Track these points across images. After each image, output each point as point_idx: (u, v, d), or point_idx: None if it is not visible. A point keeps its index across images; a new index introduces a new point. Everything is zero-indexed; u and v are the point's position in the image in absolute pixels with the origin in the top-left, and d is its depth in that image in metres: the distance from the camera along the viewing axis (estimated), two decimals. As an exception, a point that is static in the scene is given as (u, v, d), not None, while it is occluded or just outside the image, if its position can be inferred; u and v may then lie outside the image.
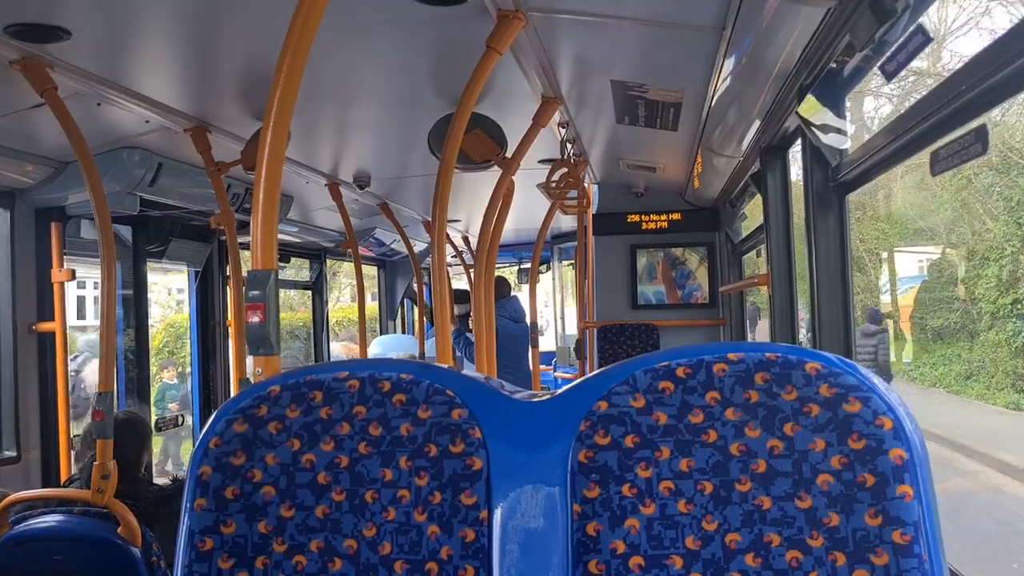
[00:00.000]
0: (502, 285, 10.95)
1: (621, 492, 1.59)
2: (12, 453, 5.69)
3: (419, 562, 1.63)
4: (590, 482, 1.60)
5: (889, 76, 2.98)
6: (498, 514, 1.64)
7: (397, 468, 1.68)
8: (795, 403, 1.55)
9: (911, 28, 2.80)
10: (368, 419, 1.71)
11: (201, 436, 1.77)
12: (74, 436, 5.66)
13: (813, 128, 3.95)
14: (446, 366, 1.88)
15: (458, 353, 10.80)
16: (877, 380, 1.55)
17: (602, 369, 1.71)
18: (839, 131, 3.87)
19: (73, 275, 5.86)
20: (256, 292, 2.70)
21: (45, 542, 3.81)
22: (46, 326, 5.81)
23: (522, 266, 15.20)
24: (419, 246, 10.75)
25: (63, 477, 5.66)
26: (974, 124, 2.49)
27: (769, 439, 1.55)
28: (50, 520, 3.87)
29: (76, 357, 12.26)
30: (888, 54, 2.97)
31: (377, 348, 12.23)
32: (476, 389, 1.74)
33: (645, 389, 1.62)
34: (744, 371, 1.59)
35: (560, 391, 1.73)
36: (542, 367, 11.34)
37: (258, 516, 1.70)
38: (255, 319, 2.70)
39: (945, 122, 2.67)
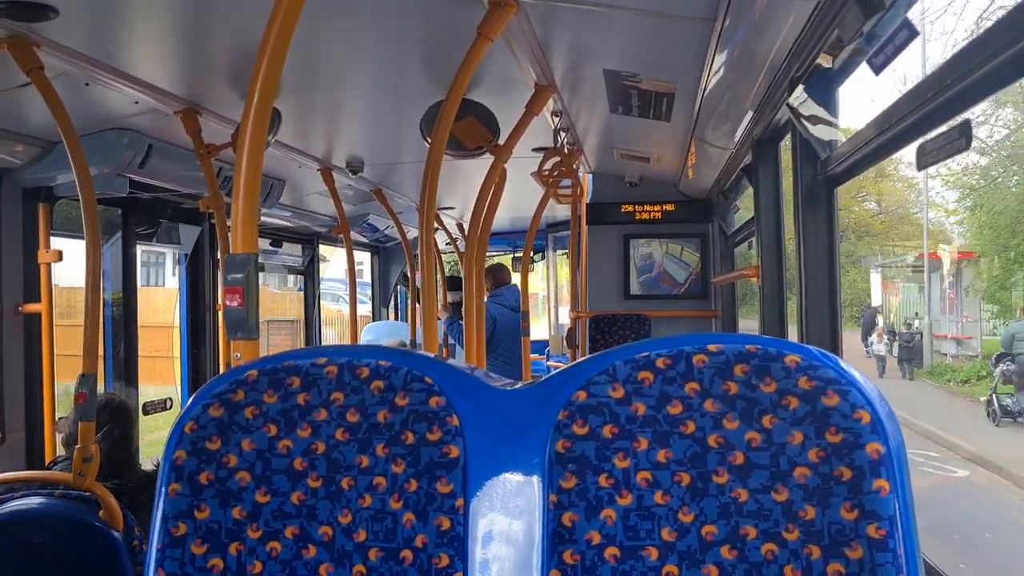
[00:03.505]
0: (502, 272, 10.91)
1: (598, 482, 1.58)
2: None
3: (394, 550, 1.63)
4: (567, 472, 1.60)
5: (877, 70, 2.99)
6: (474, 503, 1.64)
7: (374, 455, 1.67)
8: (774, 395, 1.54)
9: (898, 22, 2.80)
10: (346, 405, 1.70)
11: (177, 420, 1.76)
12: (59, 418, 5.64)
13: (803, 121, 3.95)
14: (431, 354, 1.86)
15: (451, 340, 10.80)
16: (857, 374, 1.55)
17: (582, 359, 1.70)
18: (829, 124, 3.87)
19: (60, 256, 5.84)
20: (235, 276, 2.69)
21: (24, 524, 3.79)
22: (32, 307, 5.80)
23: (516, 254, 15.20)
24: (413, 232, 10.74)
25: (47, 459, 5.65)
26: (959, 119, 2.50)
27: (747, 431, 1.54)
28: (30, 502, 3.86)
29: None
30: (876, 47, 2.98)
31: (369, 335, 12.23)
32: (455, 377, 1.73)
33: (624, 379, 1.61)
34: (724, 362, 1.58)
35: (539, 380, 1.72)
36: (535, 356, 11.34)
37: (232, 501, 1.69)
38: (234, 303, 2.69)
39: (932, 116, 2.68)
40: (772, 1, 3.26)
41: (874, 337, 33.56)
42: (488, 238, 5.91)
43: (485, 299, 9.80)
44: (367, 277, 14.32)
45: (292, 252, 10.88)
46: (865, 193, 46.17)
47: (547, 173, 6.87)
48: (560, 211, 11.14)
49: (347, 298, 10.78)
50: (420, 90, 5.07)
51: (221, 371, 6.42)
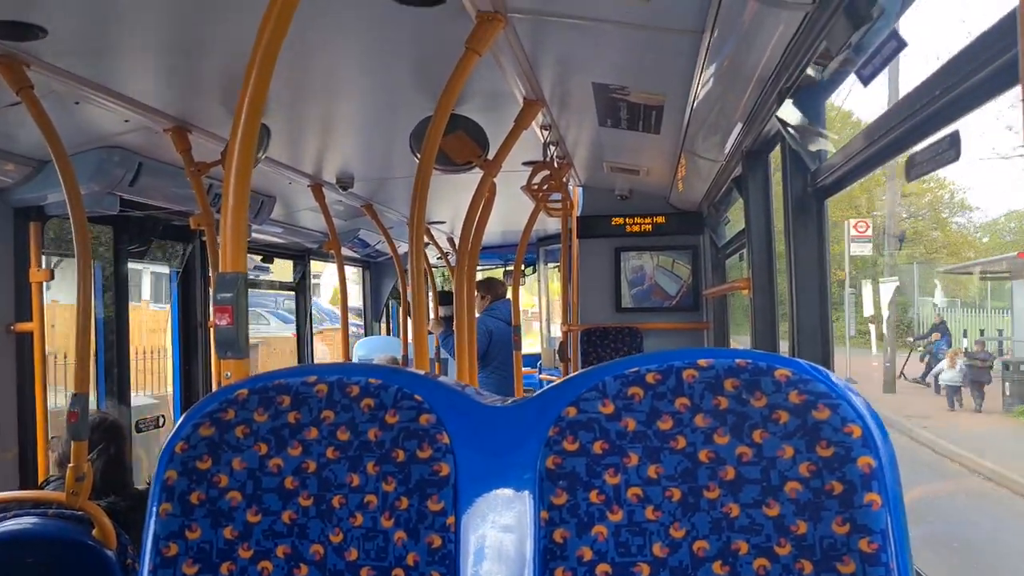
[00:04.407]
0: (498, 286, 10.90)
1: (589, 499, 1.58)
2: None
3: (385, 568, 1.62)
4: (558, 488, 1.60)
5: (865, 81, 3.00)
6: (465, 520, 1.63)
7: (364, 473, 1.67)
8: (764, 410, 1.54)
9: (886, 33, 2.81)
10: (336, 424, 1.70)
11: (167, 440, 1.75)
12: (52, 437, 5.63)
13: (792, 133, 3.96)
14: (421, 372, 1.86)
15: (444, 354, 10.77)
16: (848, 387, 1.55)
17: (571, 375, 1.70)
18: (818, 135, 3.88)
19: (52, 275, 5.84)
20: (225, 295, 2.68)
21: (18, 544, 3.77)
22: (24, 326, 5.78)
23: (507, 268, 15.18)
24: (404, 247, 10.72)
25: (40, 478, 5.62)
26: (948, 129, 2.51)
27: (738, 446, 1.54)
28: (23, 522, 3.84)
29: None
30: (864, 59, 2.99)
31: (361, 350, 12.20)
32: (445, 394, 1.73)
33: (614, 395, 1.61)
34: (714, 377, 1.58)
35: (529, 397, 1.72)
36: (527, 369, 11.32)
37: (224, 521, 1.68)
38: (223, 322, 2.68)
39: (921, 127, 2.69)
40: (760, 13, 3.27)
41: (944, 363, 26.55)
42: (479, 252, 5.91)
43: (480, 313, 9.82)
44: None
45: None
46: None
47: (537, 187, 6.86)
48: (551, 224, 11.14)
49: (267, 316, 10.78)
50: (409, 105, 5.07)
51: (214, 389, 6.41)
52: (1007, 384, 24.44)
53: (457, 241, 6.20)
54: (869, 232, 32.81)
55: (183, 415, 1.77)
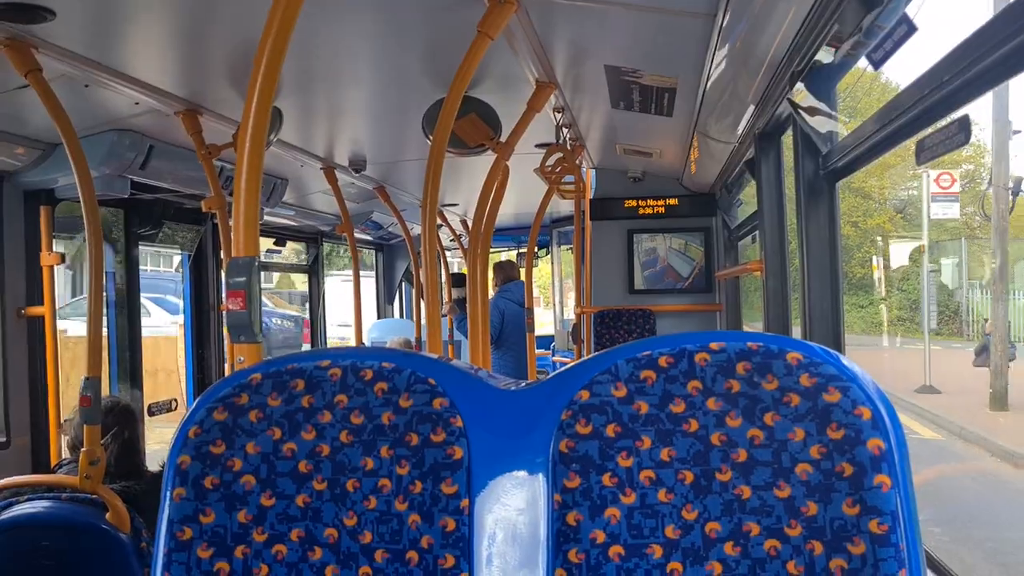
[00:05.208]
0: (511, 268, 10.94)
1: (602, 482, 1.59)
2: (1, 439, 5.69)
3: (399, 551, 1.63)
4: (571, 471, 1.60)
5: (876, 65, 2.99)
6: (479, 503, 1.64)
7: (378, 457, 1.67)
8: (776, 393, 1.55)
9: (897, 16, 2.80)
10: (350, 408, 1.70)
11: (181, 425, 1.76)
12: (64, 420, 5.65)
13: (803, 115, 3.95)
14: (434, 356, 1.87)
15: (458, 336, 10.81)
16: (858, 370, 1.55)
17: (584, 358, 1.71)
18: (830, 118, 3.87)
19: (63, 259, 5.85)
20: (238, 279, 2.69)
21: (32, 528, 3.80)
22: (35, 310, 5.80)
23: (521, 250, 15.20)
24: (417, 230, 10.74)
25: (53, 463, 5.65)
26: (959, 113, 2.50)
27: (750, 428, 1.55)
28: (37, 506, 3.87)
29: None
30: (875, 43, 2.98)
31: (374, 332, 12.25)
32: (458, 377, 1.74)
33: (627, 378, 1.61)
34: (726, 361, 1.58)
35: (542, 380, 1.73)
36: (541, 351, 11.35)
37: (238, 505, 1.69)
38: (236, 306, 2.70)
39: (932, 111, 2.68)
40: (772, -5, 3.27)
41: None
42: (491, 234, 5.91)
43: (492, 295, 9.86)
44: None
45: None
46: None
47: (550, 169, 6.87)
48: (564, 206, 11.14)
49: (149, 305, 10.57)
50: (421, 88, 5.07)
51: (227, 373, 6.43)
52: None
53: (470, 223, 6.21)
54: (955, 188, 26.36)
55: (196, 400, 1.78)
